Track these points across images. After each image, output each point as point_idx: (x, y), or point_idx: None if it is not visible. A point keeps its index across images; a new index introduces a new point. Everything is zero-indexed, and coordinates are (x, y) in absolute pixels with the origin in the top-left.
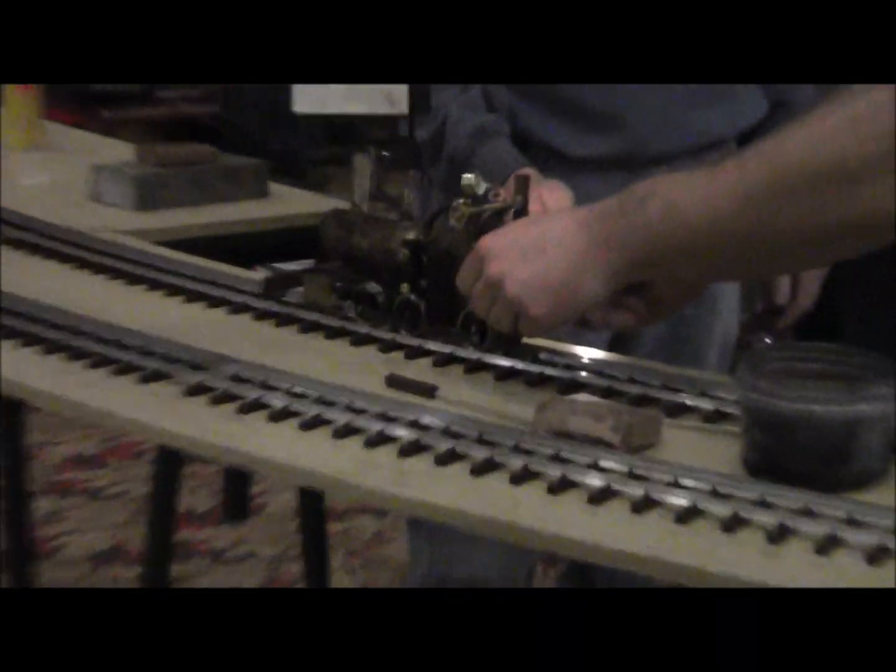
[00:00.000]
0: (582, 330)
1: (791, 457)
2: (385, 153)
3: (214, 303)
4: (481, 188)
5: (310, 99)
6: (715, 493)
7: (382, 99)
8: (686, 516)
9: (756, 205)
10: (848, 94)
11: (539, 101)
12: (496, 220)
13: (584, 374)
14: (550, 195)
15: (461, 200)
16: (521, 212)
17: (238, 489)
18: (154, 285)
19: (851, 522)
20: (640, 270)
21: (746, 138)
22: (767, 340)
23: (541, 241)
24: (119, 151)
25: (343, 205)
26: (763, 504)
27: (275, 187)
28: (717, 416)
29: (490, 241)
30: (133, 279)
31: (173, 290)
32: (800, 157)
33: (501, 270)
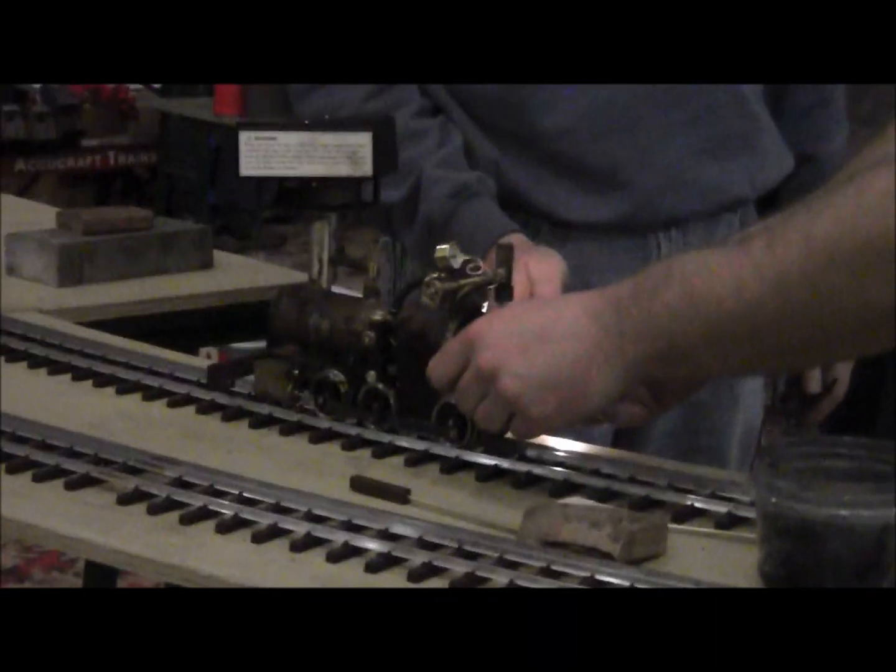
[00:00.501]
0: (581, 427)
1: (815, 569)
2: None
3: (152, 394)
4: (458, 260)
5: (258, 159)
6: None
7: (343, 159)
8: None
9: (790, 290)
10: (885, 164)
11: (529, 157)
12: (476, 296)
13: (578, 473)
14: (538, 266)
15: (435, 275)
16: (505, 287)
17: None
18: (81, 374)
19: None
20: (659, 365)
21: (768, 199)
22: (789, 430)
23: (544, 331)
24: (38, 215)
25: (299, 276)
26: None
27: (221, 256)
28: (730, 521)
29: (482, 327)
30: (56, 367)
31: (103, 380)
32: (837, 234)
33: (498, 361)
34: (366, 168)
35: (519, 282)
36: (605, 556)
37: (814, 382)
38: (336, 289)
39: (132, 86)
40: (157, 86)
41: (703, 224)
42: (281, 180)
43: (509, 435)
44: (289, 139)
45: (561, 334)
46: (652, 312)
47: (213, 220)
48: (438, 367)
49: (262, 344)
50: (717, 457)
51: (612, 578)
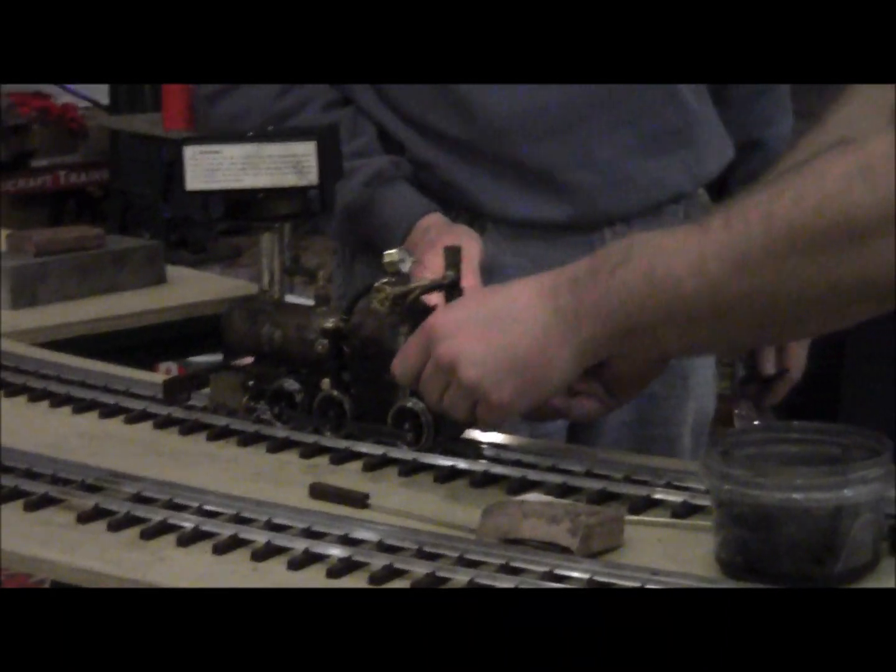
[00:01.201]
0: (536, 423)
1: (771, 553)
2: (296, 221)
3: (109, 412)
4: (407, 264)
5: (204, 173)
6: None
7: (289, 169)
8: None
9: (752, 269)
10: (842, 146)
11: (468, 158)
12: (426, 299)
13: (535, 470)
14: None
15: (384, 279)
16: (454, 288)
17: None
18: (37, 395)
19: None
20: (618, 342)
21: (716, 184)
22: (753, 413)
23: (500, 315)
24: None
25: (254, 288)
26: None
27: (174, 270)
28: (687, 510)
29: (439, 319)
30: (11, 389)
31: (59, 400)
32: (799, 215)
33: (455, 351)
34: (311, 177)
35: (435, 263)
36: (565, 551)
37: (769, 365)
38: (292, 298)
39: (81, 103)
40: (105, 103)
41: (647, 218)
42: (228, 193)
43: (466, 435)
44: (234, 152)
45: (516, 317)
46: (610, 290)
47: (168, 235)
48: (401, 364)
49: (220, 357)
50: (670, 447)
51: (572, 572)
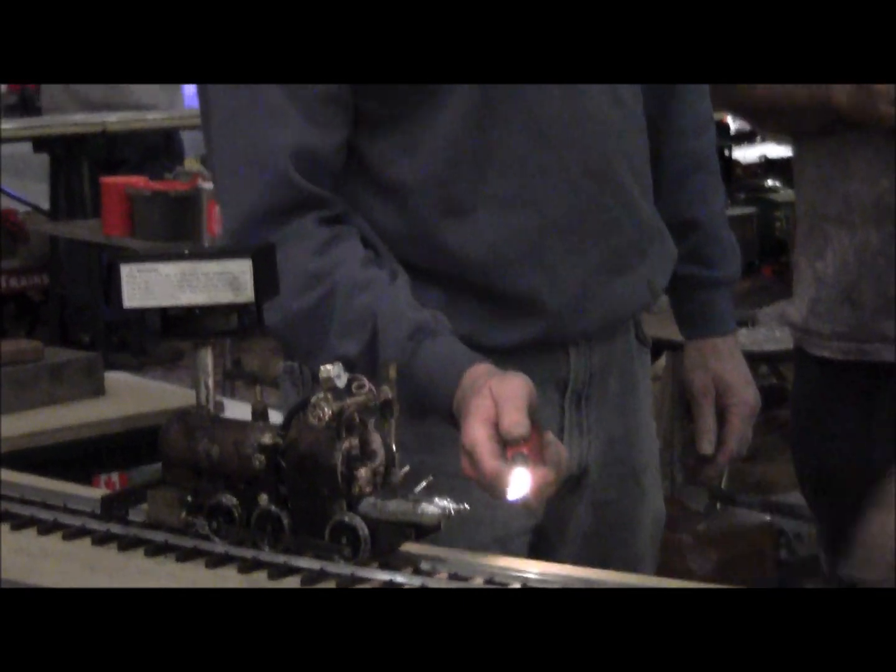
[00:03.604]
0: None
1: None
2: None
3: (46, 528)
4: (342, 380)
5: (141, 291)
6: None
7: (224, 286)
8: None
9: None
10: None
11: (441, 287)
12: (362, 415)
13: (470, 582)
14: (500, 385)
15: (321, 395)
16: (390, 404)
17: None
18: None
19: None
20: None
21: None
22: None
23: None
24: None
25: (192, 395)
26: None
27: (113, 380)
28: None
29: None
30: None
31: None
32: None
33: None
34: (247, 294)
35: (483, 406)
36: None
37: (705, 444)
38: (233, 402)
39: (21, 209)
40: (45, 208)
41: (607, 335)
42: (165, 310)
43: (403, 548)
44: (170, 270)
45: None
46: None
47: (109, 338)
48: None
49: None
50: (629, 549)
51: None
